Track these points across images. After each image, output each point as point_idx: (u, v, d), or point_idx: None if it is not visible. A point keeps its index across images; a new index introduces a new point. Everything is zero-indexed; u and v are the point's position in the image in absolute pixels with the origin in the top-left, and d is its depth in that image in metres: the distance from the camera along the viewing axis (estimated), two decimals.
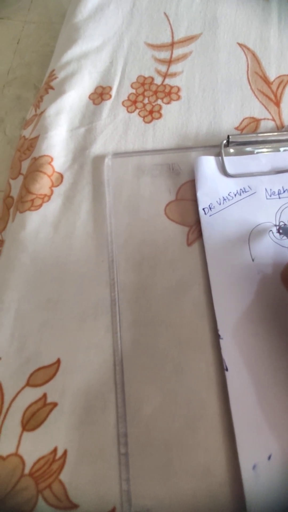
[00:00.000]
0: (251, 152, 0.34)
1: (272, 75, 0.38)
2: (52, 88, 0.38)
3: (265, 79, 0.37)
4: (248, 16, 0.41)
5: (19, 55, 1.29)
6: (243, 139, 0.34)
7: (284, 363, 0.26)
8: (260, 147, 0.34)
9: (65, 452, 0.25)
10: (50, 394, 0.27)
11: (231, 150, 0.34)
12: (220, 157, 0.33)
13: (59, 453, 0.25)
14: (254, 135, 0.34)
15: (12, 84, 1.20)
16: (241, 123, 0.36)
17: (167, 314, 0.29)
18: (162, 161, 0.34)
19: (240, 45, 0.39)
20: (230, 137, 0.33)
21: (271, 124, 0.36)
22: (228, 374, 0.26)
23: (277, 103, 0.36)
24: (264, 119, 0.36)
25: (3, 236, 0.37)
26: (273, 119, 0.36)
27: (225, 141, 0.34)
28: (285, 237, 0.31)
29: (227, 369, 0.26)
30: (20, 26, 1.34)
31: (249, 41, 0.39)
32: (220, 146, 0.33)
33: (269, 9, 0.41)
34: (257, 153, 0.34)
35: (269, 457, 0.24)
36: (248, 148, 0.34)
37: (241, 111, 0.36)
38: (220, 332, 0.27)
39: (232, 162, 0.33)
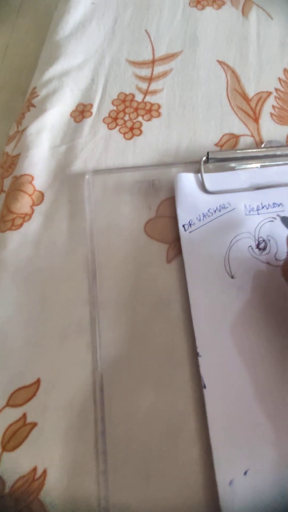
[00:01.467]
0: (231, 169, 0.35)
1: (251, 91, 0.38)
2: (33, 105, 0.39)
3: (244, 96, 0.38)
4: (228, 33, 0.41)
5: (8, 60, 1.29)
6: (222, 156, 0.34)
7: (261, 380, 0.27)
8: (239, 163, 0.35)
9: (44, 472, 0.26)
10: (30, 413, 0.27)
11: (211, 167, 0.35)
12: (199, 174, 0.34)
13: (39, 472, 0.26)
14: (233, 151, 0.35)
15: (0, 90, 1.21)
16: (220, 139, 0.37)
17: (147, 331, 0.29)
18: (142, 178, 0.35)
19: (220, 62, 0.40)
20: (209, 153, 0.34)
21: (250, 140, 0.36)
22: (206, 392, 0.26)
23: (256, 120, 0.37)
24: (243, 135, 0.37)
25: None
26: (252, 135, 0.36)
27: (204, 158, 0.34)
28: (264, 252, 0.31)
29: (205, 387, 0.26)
30: (9, 32, 1.35)
31: (229, 58, 0.40)
32: (200, 163, 0.34)
33: (248, 26, 0.42)
34: (236, 169, 0.34)
35: (246, 473, 0.24)
36: (228, 165, 0.35)
37: (221, 128, 0.37)
38: (198, 350, 0.28)
39: (211, 179, 0.34)
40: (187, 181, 0.34)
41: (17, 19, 1.29)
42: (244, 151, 0.35)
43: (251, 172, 0.34)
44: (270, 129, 0.37)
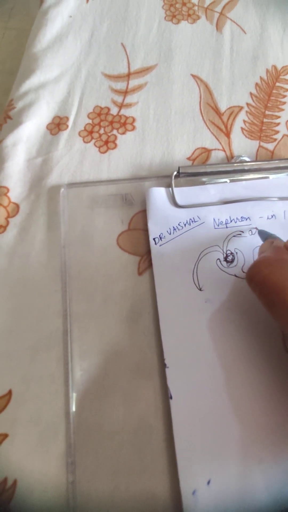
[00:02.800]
0: (201, 183, 0.36)
1: (223, 106, 0.39)
2: (10, 117, 0.39)
3: (217, 110, 0.39)
4: (202, 47, 0.42)
5: (0, 61, 1.28)
6: (192, 170, 0.35)
7: (226, 392, 0.27)
8: (209, 178, 0.36)
9: (14, 482, 0.26)
10: (0, 425, 0.28)
11: (182, 181, 0.36)
12: (170, 188, 0.35)
13: (9, 483, 0.26)
14: (203, 166, 0.36)
15: None
16: (193, 153, 0.37)
17: (117, 343, 0.30)
18: (116, 191, 0.35)
19: (193, 76, 0.41)
20: (180, 168, 0.35)
21: (221, 154, 0.37)
22: (172, 402, 0.27)
23: (227, 134, 0.38)
24: (215, 149, 0.38)
25: None
26: (223, 150, 0.38)
27: (175, 173, 0.35)
28: (231, 265, 0.32)
29: (171, 397, 0.27)
30: (0, 33, 1.34)
31: (203, 72, 0.41)
32: (171, 178, 0.35)
33: (222, 41, 0.43)
34: (206, 184, 0.35)
35: (208, 482, 0.25)
36: (198, 179, 0.36)
37: (193, 142, 0.38)
38: (166, 361, 0.28)
39: (182, 193, 0.35)
40: (158, 195, 0.35)
41: (8, 22, 1.28)
42: (214, 165, 0.36)
43: (220, 187, 0.35)
44: (240, 144, 0.38)
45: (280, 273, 0.23)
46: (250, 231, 0.33)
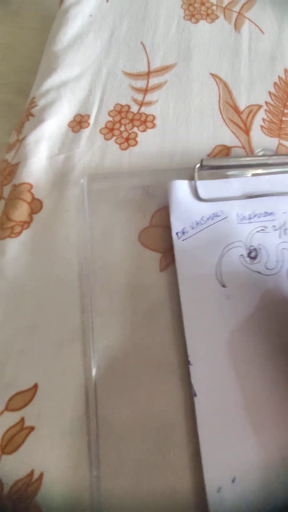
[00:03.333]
0: (224, 177, 0.35)
1: (242, 104, 0.40)
2: (32, 115, 0.40)
3: (236, 109, 0.39)
4: (221, 47, 0.43)
5: (8, 61, 1.29)
6: (216, 163, 0.35)
7: (252, 390, 0.27)
8: (232, 171, 0.36)
9: (41, 475, 0.26)
10: (27, 418, 0.28)
11: (204, 174, 0.35)
12: (193, 181, 0.34)
13: (36, 475, 0.26)
14: (227, 159, 0.36)
15: (1, 90, 1.21)
16: (213, 151, 0.38)
17: (140, 339, 0.30)
18: (137, 184, 0.35)
19: (212, 75, 0.41)
20: (203, 160, 0.34)
21: (241, 151, 0.38)
22: (196, 400, 0.27)
23: (247, 132, 0.38)
24: (235, 146, 0.38)
25: None
26: (243, 147, 0.38)
27: (198, 165, 0.35)
28: (255, 261, 0.32)
29: (195, 395, 0.27)
30: (8, 32, 1.35)
31: (221, 72, 0.41)
32: (194, 170, 0.35)
33: (240, 41, 0.43)
34: (229, 177, 0.35)
35: (233, 480, 0.25)
36: (221, 173, 0.36)
37: (213, 139, 0.38)
38: (190, 358, 0.28)
39: (205, 187, 0.34)
40: (180, 188, 0.34)
41: (17, 20, 1.29)
42: (237, 159, 0.36)
43: (243, 181, 0.35)
44: (260, 141, 0.38)
45: None
46: (274, 227, 0.33)
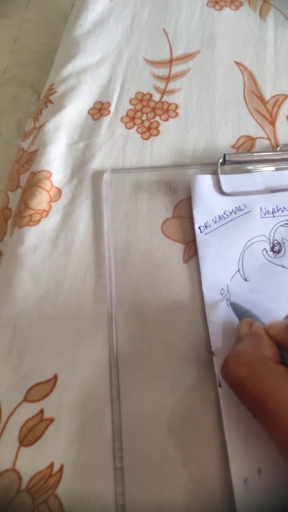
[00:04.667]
0: (247, 171, 0.35)
1: (267, 94, 0.38)
2: (51, 102, 0.39)
3: (261, 98, 0.38)
4: (245, 35, 0.42)
5: (16, 54, 1.28)
6: (239, 158, 0.35)
7: None
8: (256, 166, 0.35)
9: (61, 467, 0.26)
10: (47, 409, 0.27)
11: (227, 169, 0.35)
12: (216, 176, 0.34)
13: (56, 468, 0.26)
14: (250, 154, 0.35)
15: (8, 83, 1.20)
16: (237, 142, 0.37)
17: (162, 330, 0.29)
18: (160, 178, 0.35)
19: (237, 63, 0.40)
20: (226, 156, 0.34)
21: (266, 142, 0.37)
22: (221, 390, 0.27)
23: (272, 122, 0.37)
24: (260, 137, 0.37)
25: (0, 247, 0.37)
26: (268, 138, 0.37)
27: (221, 160, 0.34)
28: (278, 255, 0.32)
29: (220, 385, 0.27)
30: (17, 25, 1.34)
31: (246, 60, 0.40)
32: (217, 165, 0.34)
33: (265, 29, 0.42)
34: (252, 172, 0.35)
35: (260, 471, 0.25)
36: (244, 167, 0.35)
37: (238, 130, 0.37)
38: (213, 349, 0.28)
39: (227, 181, 0.34)
40: (203, 182, 0.34)
41: (25, 14, 1.28)
42: (260, 153, 0.35)
43: (266, 175, 0.34)
44: (286, 133, 0.37)
45: (261, 379, 0.21)
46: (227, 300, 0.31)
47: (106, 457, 0.26)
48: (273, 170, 0.35)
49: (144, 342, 0.29)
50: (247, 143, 0.37)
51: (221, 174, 0.34)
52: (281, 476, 0.25)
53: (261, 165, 0.35)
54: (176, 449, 0.26)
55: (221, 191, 0.34)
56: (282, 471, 0.25)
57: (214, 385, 0.27)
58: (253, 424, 0.26)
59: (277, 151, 0.36)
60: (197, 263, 0.31)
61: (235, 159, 0.34)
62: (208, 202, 0.33)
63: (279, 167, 0.35)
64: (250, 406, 0.22)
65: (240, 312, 0.28)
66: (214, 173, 0.34)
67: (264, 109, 0.38)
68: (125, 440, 0.27)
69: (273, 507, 0.24)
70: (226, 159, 0.34)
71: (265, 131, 0.37)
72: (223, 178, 0.34)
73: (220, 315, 0.29)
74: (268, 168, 0.35)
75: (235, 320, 0.29)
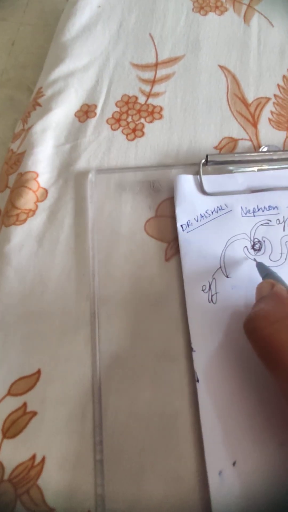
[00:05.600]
0: (229, 172, 0.36)
1: (250, 97, 0.39)
2: (39, 105, 0.40)
3: (244, 101, 0.39)
4: (229, 39, 0.43)
5: (14, 56, 1.29)
6: (221, 159, 0.35)
7: (250, 375, 0.28)
8: (237, 166, 0.36)
9: (43, 459, 0.27)
10: (30, 403, 0.28)
11: (210, 169, 0.36)
12: (198, 176, 0.35)
13: (38, 459, 0.27)
14: (232, 155, 0.36)
15: (5, 85, 1.21)
16: (220, 143, 0.38)
17: (144, 328, 0.30)
18: (143, 178, 0.36)
19: (221, 67, 0.41)
20: (208, 156, 0.35)
21: (248, 144, 0.38)
22: (199, 385, 0.27)
23: (255, 124, 0.38)
24: (242, 139, 0.38)
25: None
26: (250, 140, 0.38)
27: (203, 160, 0.35)
28: (259, 253, 0.32)
29: (198, 380, 0.28)
30: (15, 28, 1.35)
31: (230, 64, 0.41)
32: (199, 165, 0.35)
33: (249, 33, 0.43)
34: (234, 172, 0.36)
35: (234, 464, 0.25)
36: (226, 168, 0.36)
37: (220, 131, 0.38)
38: (193, 345, 0.29)
39: (209, 181, 0.35)
40: (186, 182, 0.35)
41: (23, 16, 1.29)
42: (242, 154, 0.36)
43: (248, 175, 0.35)
44: (268, 134, 0.38)
45: (285, 336, 0.22)
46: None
47: (87, 449, 0.27)
48: (254, 171, 0.36)
49: (126, 339, 0.30)
50: (230, 144, 0.37)
51: (203, 174, 0.35)
52: (255, 469, 0.25)
53: (242, 166, 0.36)
54: (155, 442, 0.27)
55: (203, 191, 0.34)
56: (256, 464, 0.25)
57: (192, 380, 0.28)
58: (229, 418, 0.27)
59: (259, 152, 0.37)
60: (179, 262, 0.32)
61: (217, 160, 0.35)
62: (190, 201, 0.34)
63: (260, 168, 0.36)
64: (271, 362, 0.23)
65: (265, 272, 0.29)
66: (197, 174, 0.35)
67: (247, 111, 0.39)
68: (106, 434, 0.27)
69: (246, 497, 0.25)
70: (208, 159, 0.35)
71: (247, 133, 0.38)
72: (205, 178, 0.35)
73: (200, 311, 0.30)
74: (249, 169, 0.36)
75: (216, 316, 0.30)
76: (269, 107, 0.39)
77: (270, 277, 0.28)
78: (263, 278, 0.29)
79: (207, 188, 0.34)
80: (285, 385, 0.22)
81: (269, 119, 0.38)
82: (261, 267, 0.30)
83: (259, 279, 0.31)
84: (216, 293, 0.30)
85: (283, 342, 0.22)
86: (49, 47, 0.45)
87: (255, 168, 0.36)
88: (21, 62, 1.22)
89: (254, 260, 0.32)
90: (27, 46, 1.24)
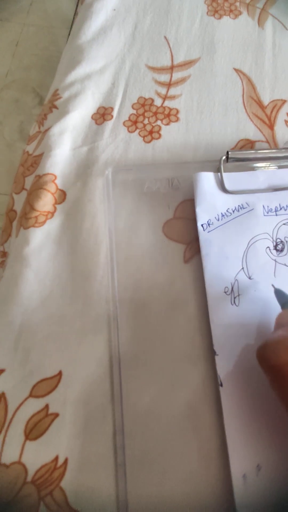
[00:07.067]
0: (249, 169, 0.35)
1: (266, 99, 0.39)
2: (56, 107, 0.40)
3: (260, 103, 0.39)
4: (244, 42, 0.43)
5: (18, 58, 1.30)
6: (242, 155, 0.35)
7: None
8: (258, 164, 0.35)
9: (66, 461, 0.27)
10: (52, 405, 0.28)
11: (230, 167, 0.35)
12: (218, 173, 0.34)
13: (60, 461, 0.27)
14: (253, 151, 0.35)
15: (10, 87, 1.22)
16: (236, 145, 0.38)
17: (164, 329, 0.30)
18: (162, 176, 0.35)
19: (236, 70, 0.41)
20: (229, 153, 0.34)
21: (265, 145, 0.38)
22: (222, 390, 0.27)
23: (271, 126, 0.38)
24: (259, 141, 0.38)
25: (5, 248, 0.38)
26: (267, 141, 0.38)
27: (224, 157, 0.34)
28: (281, 254, 0.32)
29: (221, 385, 0.27)
30: (19, 29, 1.36)
31: (245, 66, 0.41)
32: (220, 162, 0.34)
33: (263, 36, 0.43)
34: (255, 170, 0.35)
35: (258, 468, 0.25)
36: (247, 165, 0.35)
37: (237, 134, 0.38)
38: (215, 348, 0.28)
39: (230, 179, 0.34)
40: (206, 180, 0.34)
41: (27, 18, 1.30)
42: (263, 151, 0.35)
43: (269, 173, 0.35)
44: (284, 136, 0.38)
45: None
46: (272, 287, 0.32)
47: (108, 451, 0.27)
48: (275, 168, 0.35)
49: (146, 341, 0.30)
50: (246, 146, 0.37)
51: (224, 171, 0.34)
52: (279, 473, 0.25)
53: (264, 163, 0.35)
54: (177, 445, 0.27)
55: (224, 189, 0.34)
56: (280, 468, 0.25)
57: (215, 384, 0.28)
58: (253, 422, 0.27)
59: (281, 148, 0.37)
60: (198, 263, 0.32)
61: (238, 156, 0.35)
62: (211, 200, 0.34)
63: (281, 165, 0.35)
64: (284, 391, 0.22)
65: (284, 300, 0.28)
66: (217, 171, 0.34)
67: (263, 113, 0.39)
68: (127, 436, 0.27)
69: (271, 502, 0.25)
70: (229, 156, 0.34)
71: (264, 135, 0.38)
72: (226, 176, 0.34)
73: (223, 314, 0.30)
74: (270, 167, 0.35)
75: (239, 319, 0.29)
76: (285, 109, 0.39)
77: None
78: (282, 306, 0.28)
79: (228, 185, 0.34)
80: None
81: (285, 121, 0.38)
82: (280, 295, 0.29)
83: (282, 283, 0.31)
84: (238, 295, 0.30)
85: None
86: (53, 49, 0.45)
87: (276, 166, 0.35)
88: (26, 63, 1.23)
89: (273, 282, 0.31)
90: (31, 47, 1.25)
